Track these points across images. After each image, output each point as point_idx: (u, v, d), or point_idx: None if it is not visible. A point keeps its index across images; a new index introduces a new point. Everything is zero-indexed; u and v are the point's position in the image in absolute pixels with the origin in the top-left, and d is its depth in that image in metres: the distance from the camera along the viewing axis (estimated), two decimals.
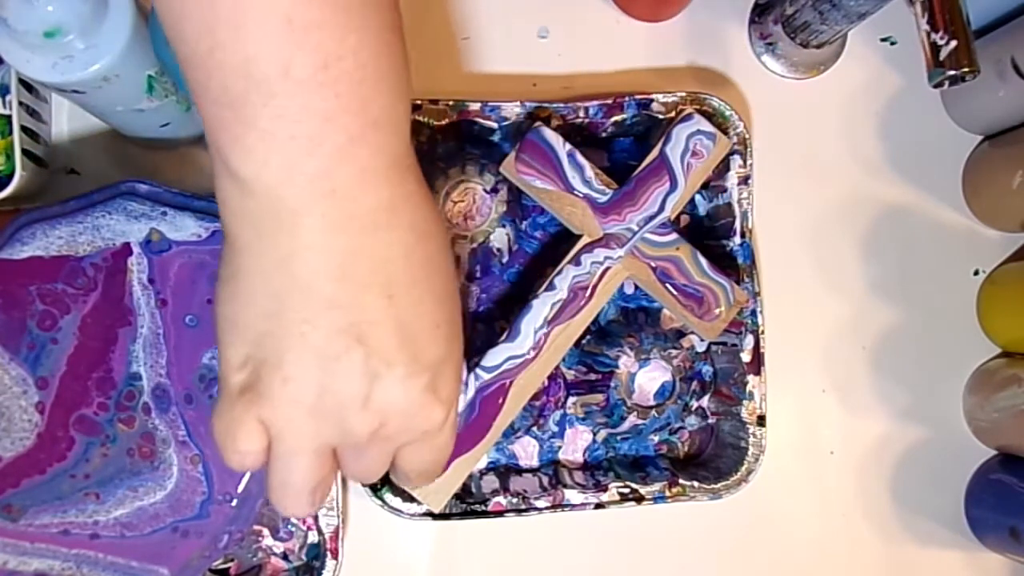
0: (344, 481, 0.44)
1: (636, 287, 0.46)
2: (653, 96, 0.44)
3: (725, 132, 0.44)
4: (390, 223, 0.27)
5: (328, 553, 0.42)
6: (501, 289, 0.46)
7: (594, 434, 0.47)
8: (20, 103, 0.40)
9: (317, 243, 0.25)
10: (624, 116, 0.45)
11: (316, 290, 0.26)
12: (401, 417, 0.28)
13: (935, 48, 0.39)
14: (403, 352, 0.27)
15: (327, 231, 0.25)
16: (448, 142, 0.45)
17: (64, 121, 0.45)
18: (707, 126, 0.43)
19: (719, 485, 0.45)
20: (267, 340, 0.26)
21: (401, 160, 0.27)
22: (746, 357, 0.45)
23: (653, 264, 0.42)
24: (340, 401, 0.27)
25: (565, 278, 0.41)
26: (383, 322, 0.27)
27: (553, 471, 0.46)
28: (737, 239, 0.45)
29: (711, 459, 0.47)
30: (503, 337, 0.40)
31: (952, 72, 0.39)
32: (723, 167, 0.45)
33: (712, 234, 0.47)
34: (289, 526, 0.43)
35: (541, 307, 0.40)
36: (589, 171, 0.42)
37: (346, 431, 0.27)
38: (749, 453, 0.45)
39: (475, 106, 0.43)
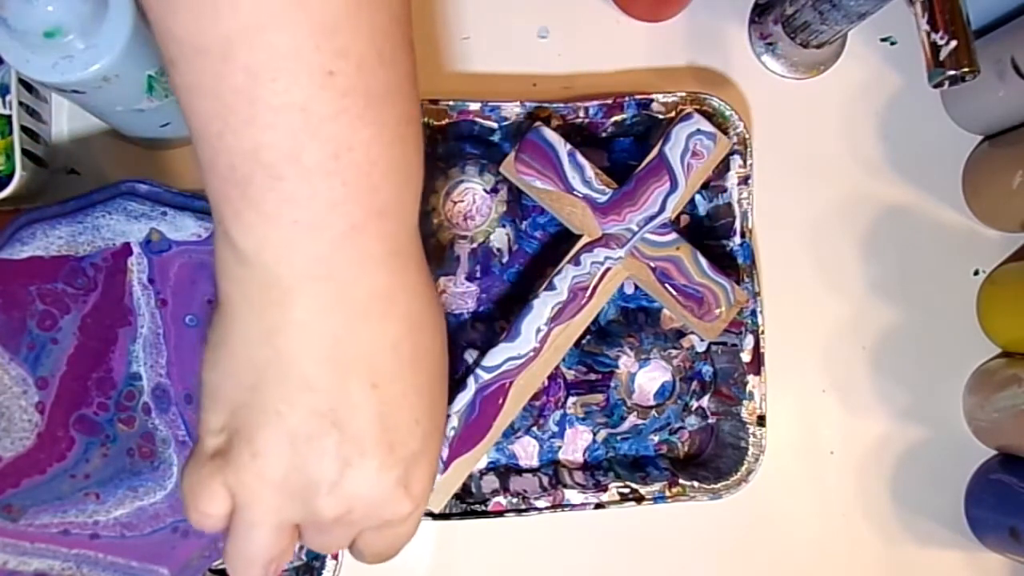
0: None
1: (636, 287, 0.46)
2: (653, 96, 0.44)
3: (725, 132, 0.44)
4: (384, 312, 0.26)
5: (328, 553, 0.42)
6: (501, 289, 0.46)
7: (594, 434, 0.47)
8: (20, 103, 0.40)
9: (306, 322, 0.25)
10: (624, 116, 0.45)
11: (298, 369, 0.26)
12: (367, 506, 0.28)
13: (935, 48, 0.39)
14: (379, 444, 0.27)
15: (318, 312, 0.25)
16: (448, 142, 0.45)
17: (64, 121, 0.45)
18: (707, 126, 0.43)
19: (719, 485, 0.45)
20: (244, 411, 0.26)
21: (403, 248, 0.27)
22: (746, 357, 0.45)
23: (653, 264, 0.42)
24: (308, 482, 0.27)
25: (565, 278, 0.41)
26: (363, 411, 0.26)
27: (553, 471, 0.46)
28: (737, 239, 0.45)
29: (711, 459, 0.47)
30: (503, 337, 0.40)
31: (952, 72, 0.39)
32: (723, 167, 0.45)
33: (712, 234, 0.47)
34: None
35: (541, 307, 0.40)
36: (589, 171, 0.42)
37: (311, 512, 0.27)
38: (749, 453, 0.45)
39: (475, 106, 0.43)
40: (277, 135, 0.23)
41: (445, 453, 0.40)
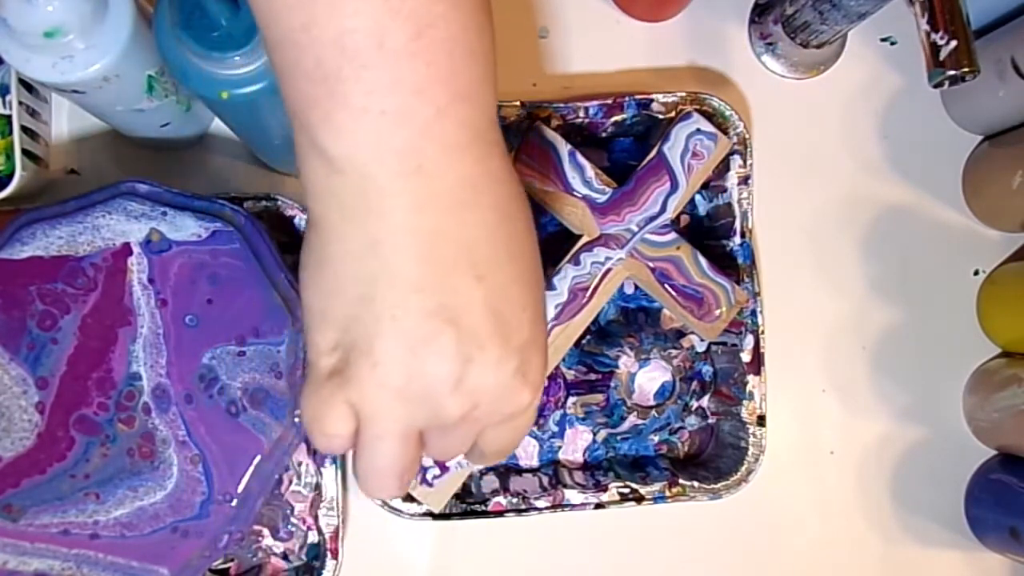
0: (344, 481, 0.44)
1: (636, 287, 0.46)
2: (653, 96, 0.44)
3: (725, 132, 0.44)
4: (475, 202, 0.26)
5: (328, 553, 0.42)
6: None
7: (594, 434, 0.47)
8: (20, 103, 0.40)
9: (406, 224, 0.25)
10: (624, 116, 0.45)
11: (405, 273, 0.26)
12: (491, 401, 0.28)
13: (935, 48, 0.39)
14: (494, 335, 0.27)
15: (413, 211, 0.25)
16: None
17: (64, 121, 0.45)
18: (707, 126, 0.43)
19: (719, 485, 0.45)
20: (356, 325, 0.26)
21: (485, 135, 0.27)
22: (746, 357, 0.45)
23: (653, 265, 0.42)
24: (430, 385, 0.26)
25: (565, 278, 0.41)
26: (474, 305, 0.26)
27: (553, 471, 0.46)
28: (737, 239, 0.45)
29: (711, 459, 0.47)
30: None
31: (952, 72, 0.39)
32: (723, 167, 0.45)
33: (712, 234, 0.47)
34: (289, 526, 0.43)
35: None
36: (589, 171, 0.42)
37: (436, 414, 0.27)
38: (749, 453, 0.45)
39: None
40: (360, 19, 0.23)
41: None
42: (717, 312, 0.43)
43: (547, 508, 0.44)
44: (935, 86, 0.40)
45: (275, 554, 0.43)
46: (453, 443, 0.29)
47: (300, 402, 0.28)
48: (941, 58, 0.39)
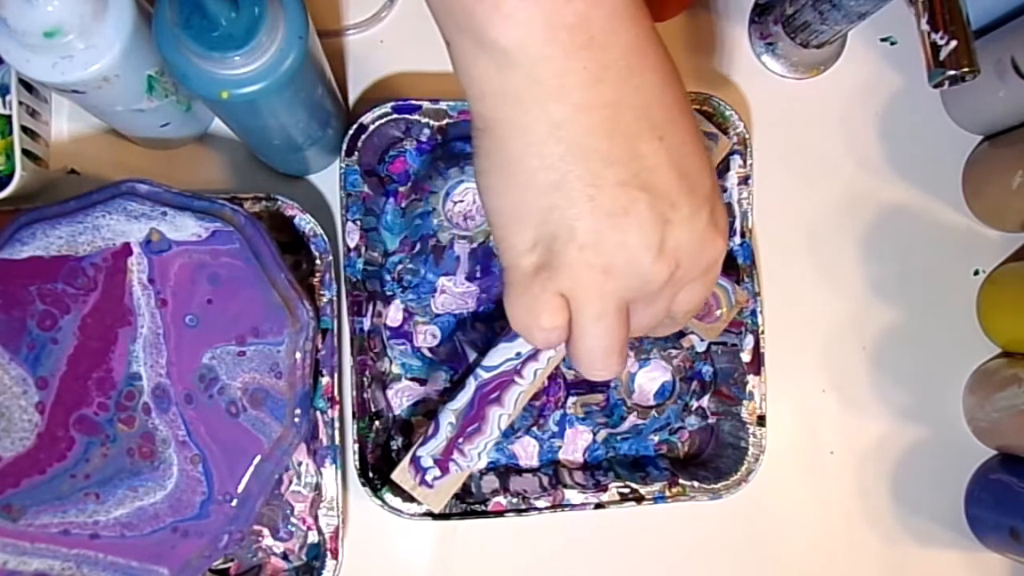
0: (344, 481, 0.44)
1: None
2: None
3: (725, 132, 0.44)
4: (642, 66, 0.26)
5: (328, 553, 0.42)
6: (501, 289, 0.46)
7: (594, 434, 0.47)
8: (20, 103, 0.40)
9: (585, 100, 0.25)
10: None
11: (594, 151, 0.26)
12: (691, 255, 0.28)
13: (935, 48, 0.39)
14: (683, 190, 0.27)
15: (591, 85, 0.25)
16: (448, 142, 0.45)
17: (64, 121, 0.45)
18: (707, 126, 0.43)
19: (719, 485, 0.45)
20: (554, 215, 0.26)
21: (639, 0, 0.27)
22: (746, 357, 0.45)
23: None
24: (635, 254, 0.27)
25: None
26: (660, 166, 0.27)
27: (553, 471, 0.46)
28: (737, 239, 0.45)
29: (711, 459, 0.47)
30: (503, 336, 0.40)
31: (952, 72, 0.39)
32: (723, 167, 0.45)
33: None
34: (289, 526, 0.43)
35: None
36: None
37: (644, 282, 0.27)
38: (749, 453, 0.45)
39: None
40: None
41: (443, 448, 0.40)
42: (717, 312, 0.43)
43: (547, 508, 0.44)
44: (935, 86, 0.40)
45: (275, 554, 0.43)
46: (657, 311, 0.29)
47: (508, 307, 0.29)
48: (941, 58, 0.39)
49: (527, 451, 0.47)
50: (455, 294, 0.46)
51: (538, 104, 0.25)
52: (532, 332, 0.28)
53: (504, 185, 0.27)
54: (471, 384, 0.40)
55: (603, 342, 0.28)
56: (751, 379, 0.45)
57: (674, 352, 0.45)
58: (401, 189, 0.46)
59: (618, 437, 0.46)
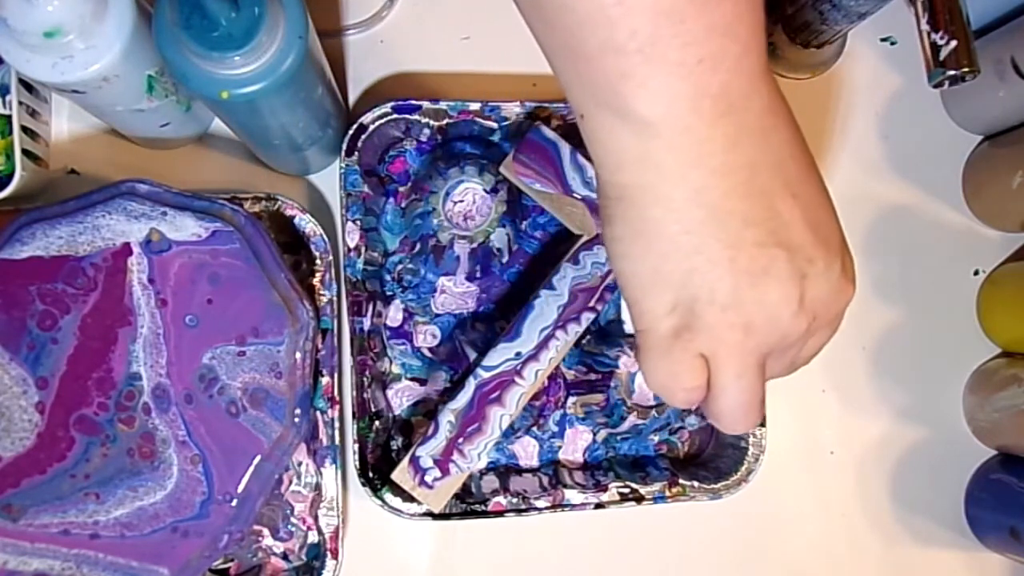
0: (344, 481, 0.44)
1: None
2: None
3: None
4: (775, 124, 0.27)
5: (328, 553, 0.42)
6: (501, 289, 0.46)
7: (594, 434, 0.47)
8: (20, 103, 0.40)
9: (724, 164, 0.26)
10: None
11: (733, 213, 0.26)
12: (827, 307, 0.29)
13: (935, 48, 0.39)
14: (817, 245, 0.28)
15: (731, 149, 0.26)
16: (448, 142, 0.45)
17: (64, 121, 0.45)
18: None
19: (719, 485, 0.45)
20: (694, 278, 0.27)
21: (765, 59, 0.27)
22: None
23: None
24: (775, 311, 0.27)
25: (565, 278, 0.41)
26: (795, 222, 0.27)
27: (553, 471, 0.46)
28: None
29: (711, 459, 0.47)
30: (503, 336, 0.40)
31: (952, 72, 0.39)
32: None
33: None
34: (289, 526, 0.43)
35: (543, 307, 0.40)
36: (589, 171, 0.42)
37: (783, 337, 0.28)
38: (749, 453, 0.45)
39: (475, 106, 0.43)
40: None
41: (443, 448, 0.40)
42: None
43: (547, 508, 0.43)
44: (935, 86, 0.40)
45: (275, 554, 0.43)
46: (790, 360, 0.30)
47: (647, 371, 0.29)
48: (941, 58, 0.39)
49: (527, 451, 0.47)
50: (455, 294, 0.46)
51: (679, 171, 0.26)
52: (674, 393, 0.29)
53: (642, 251, 0.28)
54: (471, 384, 0.40)
55: (744, 398, 0.29)
56: None
57: None
58: (401, 189, 0.46)
59: (618, 437, 0.46)
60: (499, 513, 0.43)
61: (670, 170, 0.26)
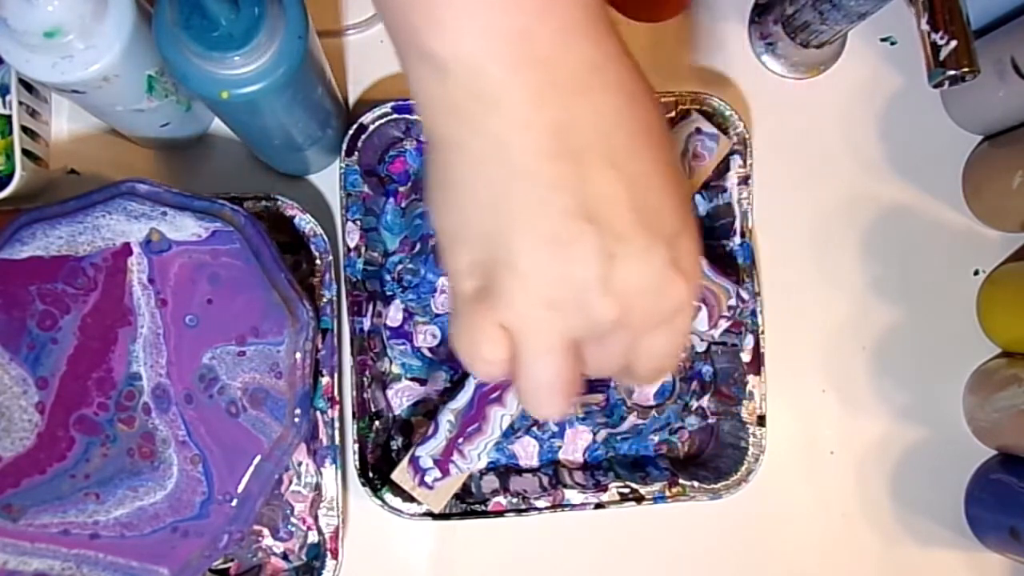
0: (344, 481, 0.44)
1: None
2: None
3: (725, 132, 0.44)
4: (598, 85, 0.25)
5: (328, 553, 0.42)
6: None
7: (594, 434, 0.47)
8: (20, 103, 0.40)
9: (528, 119, 0.24)
10: None
11: (536, 172, 0.24)
12: (643, 297, 0.26)
13: (935, 48, 0.39)
14: (635, 225, 0.25)
15: (536, 104, 0.24)
16: None
17: (64, 121, 0.45)
18: (708, 126, 0.43)
19: (719, 485, 0.45)
20: (493, 238, 0.25)
21: (600, 15, 0.25)
22: (746, 357, 0.45)
23: None
24: (579, 289, 0.25)
25: None
26: (610, 197, 0.25)
27: (553, 471, 0.46)
28: (737, 239, 0.45)
29: (711, 459, 0.47)
30: None
31: (952, 72, 0.39)
32: (723, 167, 0.45)
33: (712, 234, 0.47)
34: (289, 526, 0.43)
35: None
36: None
37: (589, 320, 0.26)
38: (749, 453, 0.45)
39: None
40: None
41: (443, 448, 0.40)
42: (719, 314, 0.42)
43: (547, 508, 0.44)
44: (935, 86, 0.40)
45: (275, 554, 0.43)
46: (611, 355, 0.28)
47: (451, 335, 0.27)
48: (941, 58, 0.39)
49: (527, 451, 0.47)
50: None
51: (478, 118, 0.24)
52: (474, 363, 0.27)
53: (446, 203, 0.26)
54: (471, 384, 0.40)
55: (545, 378, 0.26)
56: (751, 379, 0.45)
57: None
58: (401, 189, 0.46)
59: (618, 437, 0.46)
60: (499, 513, 0.43)
61: (468, 116, 0.24)
